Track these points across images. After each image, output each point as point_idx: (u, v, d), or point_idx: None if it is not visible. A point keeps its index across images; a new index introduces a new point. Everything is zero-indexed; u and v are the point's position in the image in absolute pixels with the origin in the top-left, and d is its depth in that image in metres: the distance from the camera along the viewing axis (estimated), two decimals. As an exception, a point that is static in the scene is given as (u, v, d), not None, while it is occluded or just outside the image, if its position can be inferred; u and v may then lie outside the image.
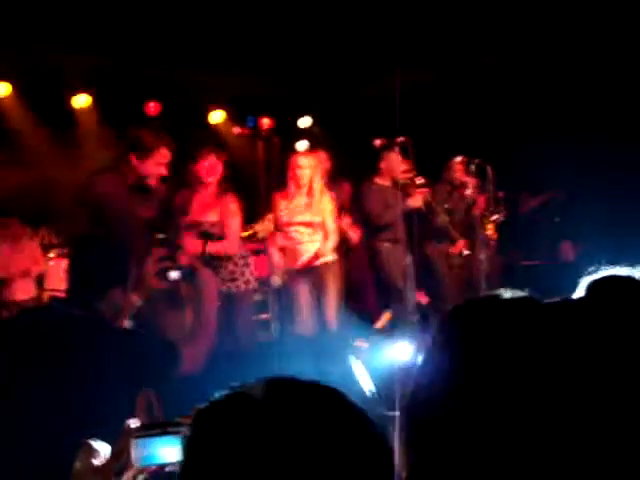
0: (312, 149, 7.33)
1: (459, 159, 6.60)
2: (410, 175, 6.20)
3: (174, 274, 2.92)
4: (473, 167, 6.49)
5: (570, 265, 7.72)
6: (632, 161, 7.30)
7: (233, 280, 5.50)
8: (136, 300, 2.93)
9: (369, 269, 6.67)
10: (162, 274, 2.97)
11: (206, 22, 6.80)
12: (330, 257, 5.83)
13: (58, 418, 2.37)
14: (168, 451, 1.65)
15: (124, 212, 4.53)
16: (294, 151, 6.99)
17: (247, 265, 5.67)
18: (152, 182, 4.64)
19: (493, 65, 7.73)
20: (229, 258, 5.50)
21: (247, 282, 5.60)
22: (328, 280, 5.81)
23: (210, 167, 5.38)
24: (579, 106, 7.53)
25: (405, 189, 6.16)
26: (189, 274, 2.93)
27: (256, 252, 6.47)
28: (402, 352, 4.46)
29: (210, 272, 3.09)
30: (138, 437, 1.67)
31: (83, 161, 6.76)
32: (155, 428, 1.70)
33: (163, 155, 4.60)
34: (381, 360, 4.65)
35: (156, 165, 4.58)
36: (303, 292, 5.69)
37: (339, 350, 4.91)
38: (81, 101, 7.49)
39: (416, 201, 6.23)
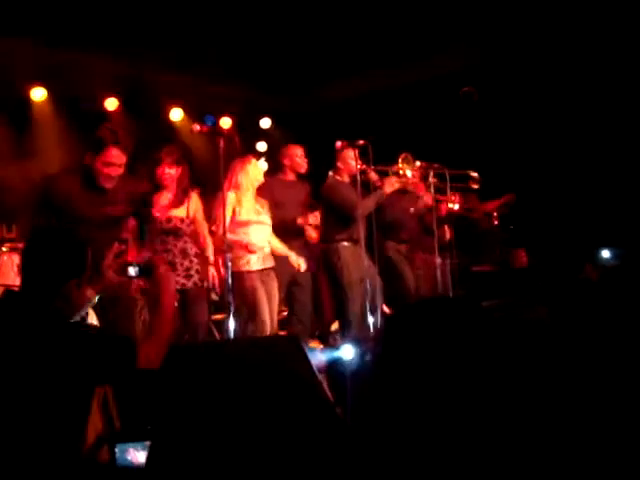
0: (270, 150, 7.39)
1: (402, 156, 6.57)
2: (368, 173, 6.23)
3: (132, 270, 2.90)
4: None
5: (523, 271, 7.83)
6: (584, 166, 7.48)
7: (189, 277, 5.48)
8: (92, 295, 2.89)
9: (323, 270, 6.68)
10: (120, 270, 2.94)
11: (167, 20, 6.76)
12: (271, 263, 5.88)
13: (7, 415, 2.33)
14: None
15: (81, 211, 4.47)
16: (254, 151, 7.01)
17: (203, 263, 5.66)
18: (106, 183, 4.59)
19: (451, 70, 7.84)
20: (186, 255, 5.48)
21: (202, 280, 5.60)
22: (274, 282, 5.83)
23: (161, 175, 5.49)
24: (533, 110, 7.68)
25: (365, 182, 6.20)
26: (147, 270, 2.91)
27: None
28: (347, 353, 4.73)
29: (168, 268, 3.07)
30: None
31: (38, 155, 6.66)
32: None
33: (115, 156, 4.56)
34: (329, 359, 4.88)
35: (107, 165, 4.55)
36: (258, 292, 5.65)
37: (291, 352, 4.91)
38: (37, 95, 7.36)
39: (390, 185, 6.22)
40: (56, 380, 2.42)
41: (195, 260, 5.56)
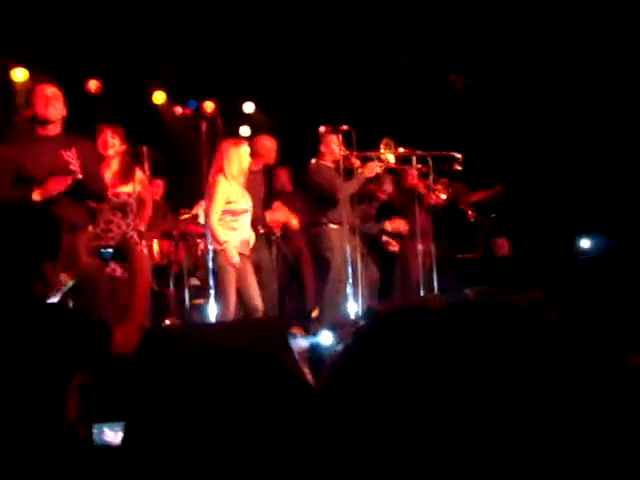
0: (254, 134, 7.32)
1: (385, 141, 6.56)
2: (350, 158, 6.23)
3: (106, 253, 2.87)
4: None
5: (505, 260, 7.88)
6: (568, 157, 7.51)
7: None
8: (66, 279, 2.85)
9: (309, 254, 6.67)
10: (95, 253, 2.91)
11: (152, 5, 6.72)
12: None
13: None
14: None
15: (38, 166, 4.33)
16: (237, 135, 6.95)
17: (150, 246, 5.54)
18: (48, 113, 4.37)
19: (436, 55, 7.84)
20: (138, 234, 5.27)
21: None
22: (245, 265, 5.61)
23: (104, 142, 5.30)
24: (517, 99, 7.70)
25: (347, 167, 6.18)
26: (120, 253, 2.88)
27: (195, 236, 6.42)
28: (325, 339, 4.76)
29: (142, 250, 3.03)
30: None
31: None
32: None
33: (47, 90, 4.38)
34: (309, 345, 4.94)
35: (42, 98, 4.36)
36: (228, 273, 5.53)
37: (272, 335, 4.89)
38: (19, 75, 7.31)
39: (371, 169, 6.22)
40: (33, 364, 2.38)
41: (143, 242, 5.30)
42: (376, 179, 6.69)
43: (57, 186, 4.19)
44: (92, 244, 2.95)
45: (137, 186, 5.42)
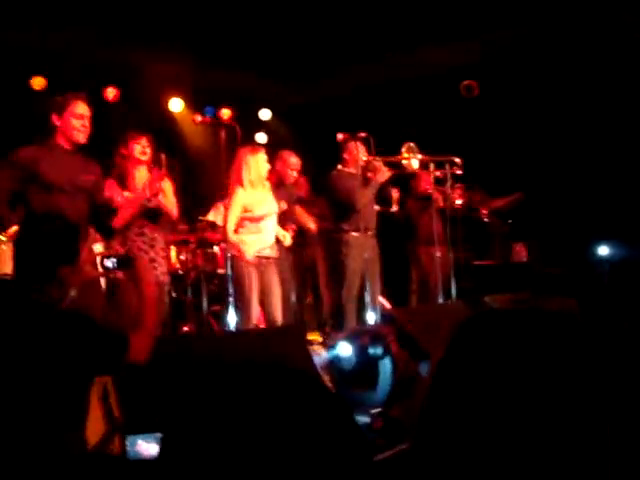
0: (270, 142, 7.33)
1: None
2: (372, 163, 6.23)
3: (109, 262, 2.84)
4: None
5: (522, 266, 7.83)
6: (583, 162, 7.46)
7: (153, 269, 5.13)
8: (72, 290, 2.84)
9: (324, 263, 6.66)
10: (98, 263, 2.90)
11: (168, 9, 6.74)
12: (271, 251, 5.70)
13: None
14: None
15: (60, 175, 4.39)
16: (254, 142, 6.94)
17: (166, 257, 5.50)
18: (78, 139, 4.49)
19: (449, 64, 7.82)
20: (153, 245, 5.24)
21: (163, 274, 5.35)
22: (272, 274, 5.64)
23: (142, 148, 5.29)
24: (533, 104, 7.66)
25: (368, 171, 6.18)
26: (124, 262, 2.87)
27: (212, 243, 6.43)
28: (344, 350, 4.74)
29: (145, 259, 3.02)
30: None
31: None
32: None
33: (80, 107, 4.48)
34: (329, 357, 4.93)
35: (76, 118, 4.46)
36: (253, 285, 5.52)
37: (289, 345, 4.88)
38: (38, 84, 7.37)
39: (382, 175, 6.21)
40: (50, 371, 2.38)
41: (161, 253, 5.33)
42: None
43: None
44: (94, 254, 2.94)
45: (169, 195, 5.38)
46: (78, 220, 4.20)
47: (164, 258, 5.37)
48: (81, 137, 4.48)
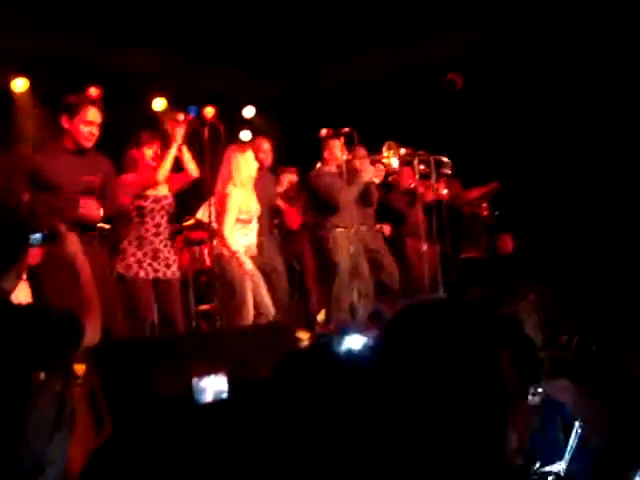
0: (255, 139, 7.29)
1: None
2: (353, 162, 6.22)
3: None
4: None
5: (508, 257, 7.86)
6: (571, 153, 7.49)
7: (168, 266, 5.19)
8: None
9: (311, 256, 6.66)
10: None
11: (151, 10, 6.72)
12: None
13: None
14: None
15: (63, 176, 4.39)
16: (238, 140, 6.91)
17: (175, 253, 5.50)
18: (85, 145, 4.50)
19: (434, 59, 7.84)
20: (166, 243, 5.26)
21: (179, 269, 5.37)
22: (256, 270, 5.55)
23: (155, 154, 5.26)
24: (517, 96, 7.68)
25: (350, 171, 6.17)
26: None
27: (199, 242, 6.41)
28: (355, 343, 4.75)
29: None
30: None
31: (20, 145, 6.60)
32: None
33: (92, 114, 4.49)
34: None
35: (85, 125, 4.46)
36: (245, 282, 5.51)
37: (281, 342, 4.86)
38: (19, 85, 7.32)
39: (368, 173, 6.21)
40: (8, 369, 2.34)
41: (172, 250, 5.34)
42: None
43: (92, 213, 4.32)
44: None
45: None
46: (81, 220, 4.25)
47: (170, 252, 5.27)
48: (88, 143, 4.51)
